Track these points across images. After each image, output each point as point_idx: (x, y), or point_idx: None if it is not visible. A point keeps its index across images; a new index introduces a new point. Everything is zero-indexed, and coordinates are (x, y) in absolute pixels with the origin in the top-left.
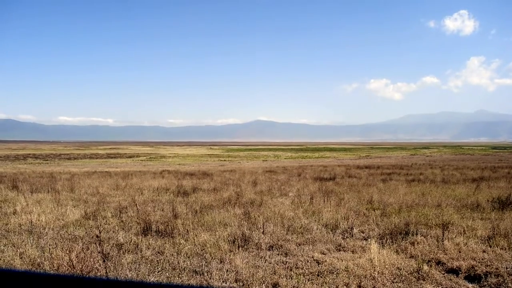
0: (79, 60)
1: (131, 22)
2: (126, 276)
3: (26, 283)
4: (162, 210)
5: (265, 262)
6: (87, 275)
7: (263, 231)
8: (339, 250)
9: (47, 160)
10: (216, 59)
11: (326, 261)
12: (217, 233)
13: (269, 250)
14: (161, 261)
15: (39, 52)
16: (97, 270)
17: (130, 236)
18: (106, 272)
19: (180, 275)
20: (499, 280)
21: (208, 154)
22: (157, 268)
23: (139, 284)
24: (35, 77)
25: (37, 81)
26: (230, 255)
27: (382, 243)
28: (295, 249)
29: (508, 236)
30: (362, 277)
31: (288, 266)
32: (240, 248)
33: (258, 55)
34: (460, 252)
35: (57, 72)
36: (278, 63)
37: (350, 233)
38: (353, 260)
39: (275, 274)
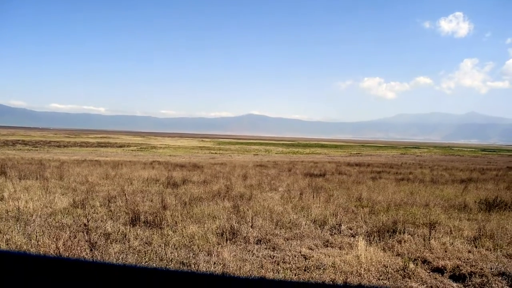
0: (73, 49)
1: (127, 12)
2: None
3: (10, 263)
4: (151, 201)
5: (252, 256)
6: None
7: (252, 225)
8: (327, 246)
9: (36, 147)
10: (211, 52)
11: (313, 256)
12: (205, 225)
13: (257, 244)
14: (149, 251)
15: (34, 39)
16: (84, 259)
17: (118, 226)
18: (93, 261)
19: (167, 266)
20: (483, 280)
21: (199, 146)
22: (145, 259)
23: (124, 268)
24: (28, 63)
25: (31, 67)
26: (218, 248)
27: (369, 241)
28: (283, 243)
29: (494, 237)
30: (348, 273)
31: (275, 261)
32: (228, 241)
33: (253, 49)
34: (446, 251)
35: (50, 59)
36: (272, 57)
37: (338, 230)
38: (340, 256)
39: (262, 268)
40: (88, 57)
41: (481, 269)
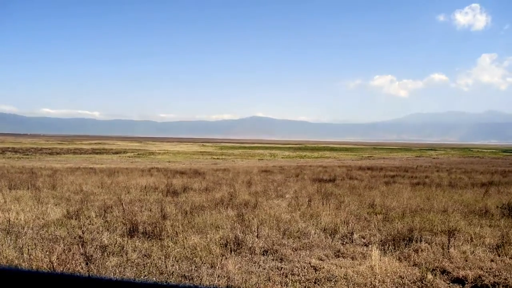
0: (65, 49)
1: (122, 12)
2: None
3: (1, 279)
4: (150, 210)
5: (259, 268)
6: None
7: (258, 234)
8: (338, 256)
9: (27, 154)
10: (212, 52)
11: (324, 267)
12: (208, 235)
13: (263, 255)
14: (148, 264)
15: (22, 40)
16: (80, 273)
17: (115, 237)
18: (89, 276)
19: (167, 280)
20: None
21: (200, 152)
22: (144, 273)
23: (122, 283)
24: (17, 65)
25: (20, 70)
26: (221, 260)
27: (384, 250)
28: (291, 254)
29: None
30: (362, 285)
31: (283, 272)
32: (233, 252)
33: (256, 48)
34: (466, 260)
35: (41, 62)
36: (277, 56)
37: (350, 239)
38: (352, 267)
39: (269, 280)
40: (81, 59)
41: (505, 279)
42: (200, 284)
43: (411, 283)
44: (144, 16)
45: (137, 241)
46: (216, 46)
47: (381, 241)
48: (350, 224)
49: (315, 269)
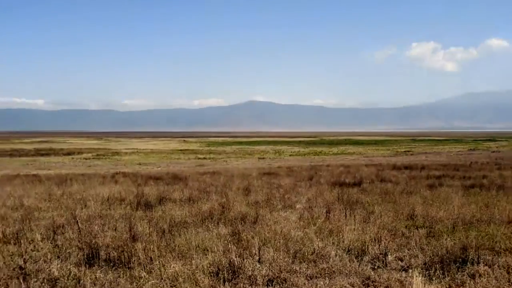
0: None
1: None
2: None
3: None
4: (115, 229)
5: None
6: None
7: (259, 258)
8: (368, 286)
9: None
10: (193, 20)
11: None
12: (193, 261)
13: (267, 285)
14: None
15: None
16: None
17: (68, 267)
18: None
19: None
20: None
21: (181, 150)
22: None
23: None
24: None
25: None
26: None
27: (429, 276)
28: (304, 284)
29: None
30: None
31: None
32: (227, 283)
33: (255, 15)
34: None
35: None
36: (282, 22)
37: (383, 261)
38: None
39: None
40: (18, 32)
41: None
42: None
43: None
44: None
45: (98, 271)
46: (197, 15)
47: (424, 263)
48: (383, 242)
49: None
